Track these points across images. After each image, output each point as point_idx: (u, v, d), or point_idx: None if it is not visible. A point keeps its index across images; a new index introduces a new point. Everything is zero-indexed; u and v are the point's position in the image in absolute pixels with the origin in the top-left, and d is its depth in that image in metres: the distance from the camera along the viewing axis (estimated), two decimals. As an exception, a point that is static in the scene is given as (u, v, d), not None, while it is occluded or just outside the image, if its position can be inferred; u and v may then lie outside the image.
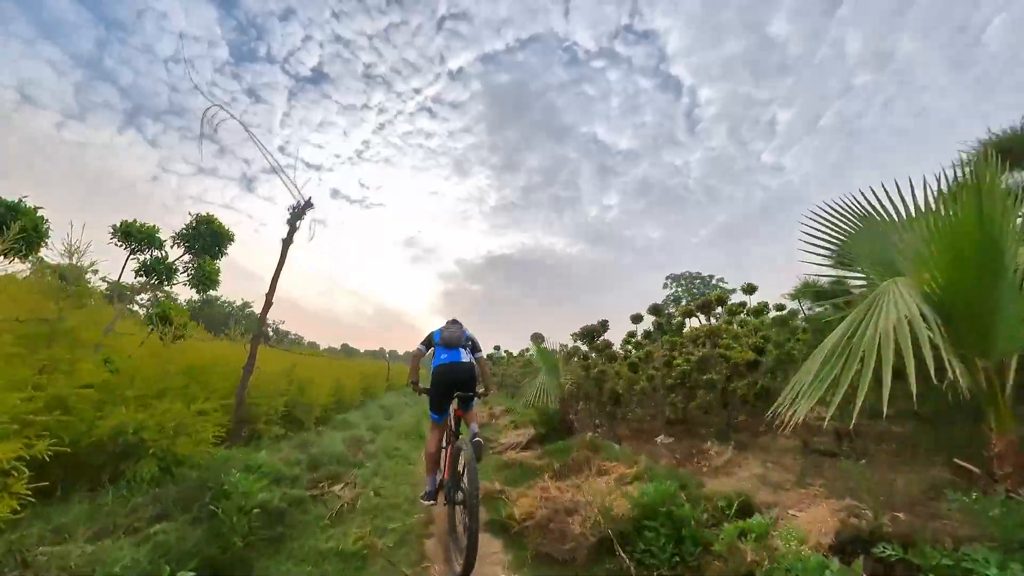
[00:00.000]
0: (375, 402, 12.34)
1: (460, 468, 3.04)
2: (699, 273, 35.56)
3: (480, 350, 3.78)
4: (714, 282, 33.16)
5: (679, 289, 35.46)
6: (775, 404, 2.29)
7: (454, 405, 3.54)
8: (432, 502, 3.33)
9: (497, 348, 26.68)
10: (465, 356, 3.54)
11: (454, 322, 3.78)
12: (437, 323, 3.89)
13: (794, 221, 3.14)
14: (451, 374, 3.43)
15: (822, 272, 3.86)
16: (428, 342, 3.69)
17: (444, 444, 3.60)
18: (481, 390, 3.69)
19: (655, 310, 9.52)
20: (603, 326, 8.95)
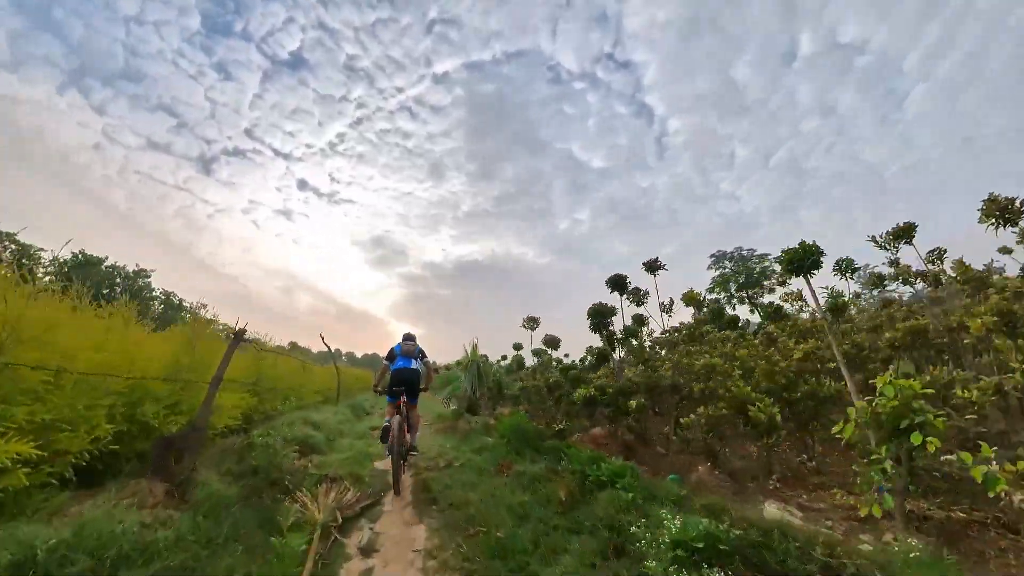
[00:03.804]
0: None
1: (398, 434, 4.57)
2: (752, 250, 31.99)
3: (426, 356, 5.42)
4: (768, 260, 29.88)
5: (727, 270, 32.19)
6: None
7: (404, 399, 4.98)
8: (386, 443, 4.72)
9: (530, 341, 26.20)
10: (415, 364, 5.19)
11: (410, 338, 5.35)
12: (401, 330, 6.08)
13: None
14: (403, 375, 5.05)
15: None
16: (391, 356, 5.27)
17: (397, 416, 4.82)
18: (423, 386, 5.30)
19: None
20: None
